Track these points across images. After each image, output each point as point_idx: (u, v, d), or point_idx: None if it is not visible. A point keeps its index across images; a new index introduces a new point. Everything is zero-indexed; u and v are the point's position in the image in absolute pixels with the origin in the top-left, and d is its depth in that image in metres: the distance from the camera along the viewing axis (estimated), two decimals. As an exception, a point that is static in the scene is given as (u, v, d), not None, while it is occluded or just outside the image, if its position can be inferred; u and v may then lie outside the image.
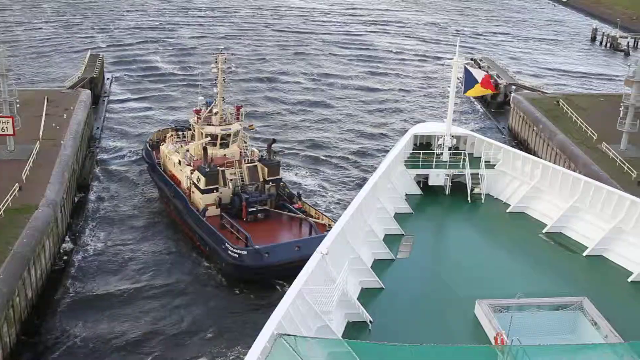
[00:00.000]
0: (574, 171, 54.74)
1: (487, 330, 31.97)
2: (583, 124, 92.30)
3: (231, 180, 70.31)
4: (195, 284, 63.83)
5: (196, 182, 70.17)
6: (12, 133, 73.77)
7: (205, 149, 70.53)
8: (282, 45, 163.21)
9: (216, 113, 74.04)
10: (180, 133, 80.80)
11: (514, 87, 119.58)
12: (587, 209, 44.01)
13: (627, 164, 77.53)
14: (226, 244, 63.01)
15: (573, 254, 41.89)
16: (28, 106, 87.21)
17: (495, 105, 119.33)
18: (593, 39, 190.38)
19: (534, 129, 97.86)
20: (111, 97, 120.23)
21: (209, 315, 58.80)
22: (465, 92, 51.02)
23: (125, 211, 77.18)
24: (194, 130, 75.68)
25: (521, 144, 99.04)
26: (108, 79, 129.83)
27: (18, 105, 76.93)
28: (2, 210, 60.70)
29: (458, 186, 50.25)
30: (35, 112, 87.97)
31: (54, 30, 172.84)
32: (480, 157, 51.40)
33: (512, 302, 32.83)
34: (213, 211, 68.80)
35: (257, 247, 61.94)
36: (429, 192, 50.26)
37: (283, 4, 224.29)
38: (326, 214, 70.25)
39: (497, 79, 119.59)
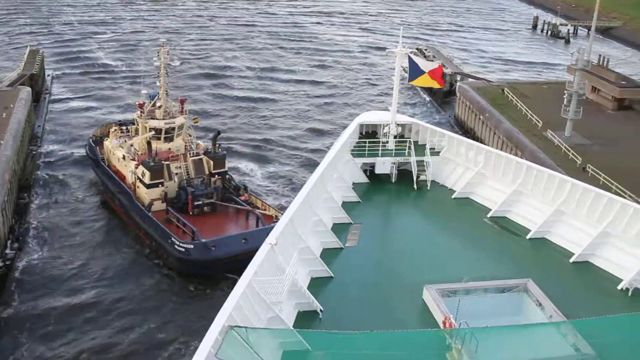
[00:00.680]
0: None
1: (435, 314, 32.32)
2: (528, 111, 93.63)
3: (177, 174, 69.76)
4: (143, 281, 63.19)
5: (141, 177, 69.46)
6: None
7: (149, 143, 69.85)
8: (228, 39, 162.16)
9: (160, 107, 73.17)
10: (124, 128, 79.76)
11: (459, 76, 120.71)
12: (529, 192, 44.77)
13: (572, 151, 78.84)
14: (172, 239, 62.54)
15: (517, 237, 42.57)
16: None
17: (442, 94, 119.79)
18: (534, 27, 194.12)
19: (480, 118, 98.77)
20: (53, 94, 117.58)
21: (159, 310, 58.32)
22: (410, 80, 51.33)
23: (69, 210, 75.74)
24: (138, 125, 74.72)
25: (468, 133, 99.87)
26: (49, 75, 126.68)
27: None
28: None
29: (404, 174, 50.55)
30: None
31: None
32: (425, 145, 51.80)
33: (459, 286, 33.29)
34: (159, 206, 68.17)
35: (203, 240, 61.62)
36: (375, 180, 50.47)
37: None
38: (273, 206, 70.18)
39: (443, 69, 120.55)
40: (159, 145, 71.35)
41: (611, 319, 29.71)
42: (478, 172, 48.05)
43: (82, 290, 60.87)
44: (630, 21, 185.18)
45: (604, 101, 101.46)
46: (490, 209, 45.53)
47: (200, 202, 67.85)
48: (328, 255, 38.55)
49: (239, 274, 29.81)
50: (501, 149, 79.73)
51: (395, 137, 51.76)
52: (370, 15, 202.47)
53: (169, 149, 72.20)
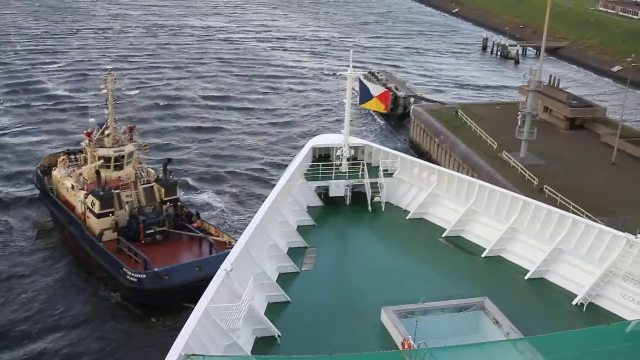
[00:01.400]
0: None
1: (394, 336, 32.20)
2: (483, 133, 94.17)
3: (127, 202, 68.84)
4: (95, 313, 62.08)
5: (91, 207, 68.35)
6: None
7: (98, 172, 68.86)
8: (179, 66, 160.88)
9: (108, 135, 72.32)
10: (72, 157, 78.54)
11: (412, 98, 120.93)
12: (482, 211, 45.08)
13: (527, 172, 79.51)
14: (124, 269, 61.60)
15: (472, 255, 42.78)
16: None
17: (396, 117, 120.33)
18: (484, 48, 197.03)
19: (435, 140, 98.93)
20: None
21: (112, 343, 57.38)
22: (360, 103, 51.55)
23: (16, 243, 73.73)
24: (87, 154, 73.68)
25: (424, 156, 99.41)
26: None
27: None
28: None
29: (358, 196, 50.53)
30: None
31: None
32: (379, 166, 51.88)
33: (417, 306, 33.35)
34: (110, 235, 67.12)
35: (156, 269, 60.78)
36: (330, 203, 50.36)
37: (178, 23, 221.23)
38: (226, 232, 69.62)
39: (396, 92, 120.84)
40: (108, 174, 70.38)
41: (568, 334, 29.82)
42: (431, 192, 48.26)
43: (32, 330, 59.21)
44: (576, 41, 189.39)
45: (556, 121, 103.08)
46: (445, 229, 45.72)
47: (152, 231, 67.01)
48: (284, 279, 38.26)
49: (194, 303, 29.35)
50: (458, 172, 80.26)
51: (348, 159, 51.75)
52: (322, 39, 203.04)
53: (119, 177, 71.20)
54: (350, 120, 51.89)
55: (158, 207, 69.42)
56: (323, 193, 50.66)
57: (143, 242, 66.33)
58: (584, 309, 36.38)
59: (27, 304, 63.38)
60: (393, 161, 52.00)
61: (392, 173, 51.45)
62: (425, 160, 72.37)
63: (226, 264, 31.42)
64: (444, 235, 45.30)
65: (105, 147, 71.48)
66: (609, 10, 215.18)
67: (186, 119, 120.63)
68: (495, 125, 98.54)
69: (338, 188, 50.33)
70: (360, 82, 50.43)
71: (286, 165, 69.67)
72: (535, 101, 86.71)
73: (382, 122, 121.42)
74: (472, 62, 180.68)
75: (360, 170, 51.02)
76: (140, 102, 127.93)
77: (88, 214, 69.01)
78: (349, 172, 51.27)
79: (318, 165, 51.03)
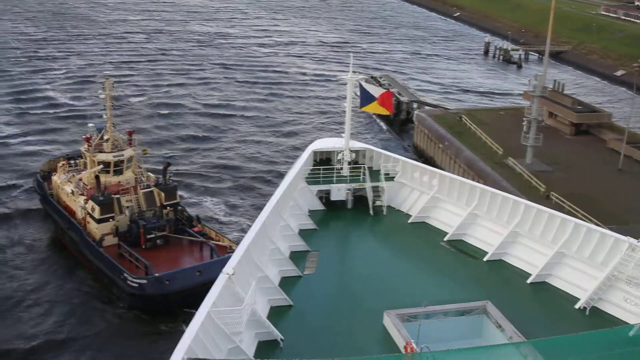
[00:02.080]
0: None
1: (396, 340, 32.17)
2: (487, 139, 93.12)
3: (127, 207, 68.68)
4: (97, 319, 61.84)
5: (91, 212, 68.22)
6: None
7: (97, 177, 68.70)
8: (179, 71, 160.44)
9: (107, 139, 72.28)
10: (72, 162, 78.45)
11: (415, 104, 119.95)
12: (484, 215, 45.04)
13: (534, 178, 78.61)
14: (125, 274, 61.47)
15: (474, 259, 42.75)
16: None
17: (399, 123, 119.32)
18: (486, 53, 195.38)
19: (439, 146, 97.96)
20: None
21: (115, 348, 57.13)
22: (361, 107, 51.50)
23: (16, 249, 73.33)
24: (86, 159, 73.62)
25: (428, 162, 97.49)
26: None
27: None
28: None
29: (360, 200, 50.56)
30: None
31: None
32: (380, 170, 51.88)
33: (419, 310, 33.29)
34: (110, 240, 66.97)
35: (157, 275, 60.62)
36: (331, 207, 50.38)
37: (179, 29, 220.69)
38: (227, 236, 69.47)
39: (399, 97, 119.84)
40: (108, 179, 70.32)
41: (570, 337, 29.81)
42: (433, 196, 48.23)
43: (34, 336, 58.97)
44: (578, 45, 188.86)
45: (561, 126, 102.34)
46: (447, 233, 45.70)
47: (153, 235, 66.84)
48: (287, 283, 38.26)
49: (195, 308, 29.41)
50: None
51: (349, 163, 51.80)
52: (324, 44, 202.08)
53: (119, 182, 71.13)
54: (353, 126, 51.93)
55: (158, 212, 69.30)
56: (324, 197, 50.68)
57: (144, 247, 66.17)
58: (587, 313, 36.33)
59: (27, 309, 63.20)
60: (394, 165, 52.02)
61: (394, 177, 51.47)
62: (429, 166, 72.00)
63: (228, 268, 31.47)
64: (445, 239, 45.30)
65: (105, 152, 71.44)
66: (611, 15, 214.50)
67: (186, 123, 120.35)
68: (500, 130, 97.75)
69: (339, 192, 50.36)
70: (361, 85, 50.45)
71: (287, 170, 69.69)
72: (541, 107, 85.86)
73: (385, 128, 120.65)
74: (474, 66, 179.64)
75: (362, 174, 51.07)
76: (141, 108, 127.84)
77: (88, 219, 68.88)
78: (350, 175, 51.29)
79: (319, 169, 51.10)
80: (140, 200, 69.59)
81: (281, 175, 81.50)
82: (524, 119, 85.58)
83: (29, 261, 71.50)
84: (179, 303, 59.49)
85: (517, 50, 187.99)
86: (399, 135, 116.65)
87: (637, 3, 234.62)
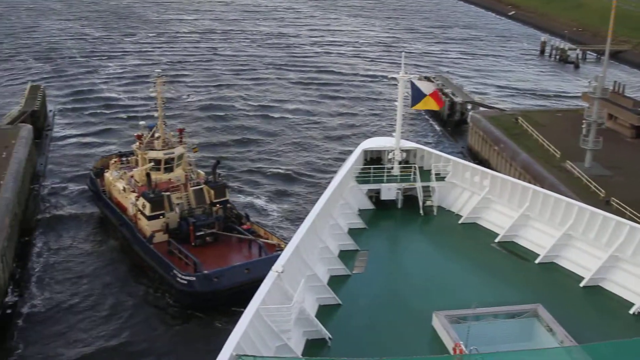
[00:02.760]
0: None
1: (445, 341, 31.95)
2: (545, 141, 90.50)
3: (177, 204, 69.25)
4: (147, 314, 62.51)
5: (142, 209, 68.96)
6: None
7: (148, 175, 69.46)
8: (232, 71, 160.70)
9: (158, 137, 73.00)
10: (124, 159, 79.45)
11: (470, 105, 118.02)
12: (536, 217, 44.46)
13: (593, 183, 76.21)
14: (174, 271, 61.91)
15: (526, 261, 42.23)
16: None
17: (453, 124, 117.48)
18: (542, 52, 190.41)
19: (495, 149, 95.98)
20: (55, 131, 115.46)
21: (164, 344, 57.73)
22: (412, 106, 51.23)
23: (72, 249, 74.16)
24: (137, 156, 74.50)
25: (483, 164, 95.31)
26: (51, 111, 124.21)
27: None
28: None
29: (410, 199, 50.39)
30: None
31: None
32: (431, 170, 51.60)
33: (469, 312, 32.83)
34: (160, 237, 67.59)
35: (206, 272, 60.97)
36: (381, 206, 50.27)
37: (232, 28, 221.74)
38: (276, 234, 69.59)
39: (453, 97, 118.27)
40: (158, 176, 71.00)
41: (623, 343, 29.39)
42: (484, 197, 47.79)
43: (87, 330, 59.73)
44: (639, 44, 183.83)
45: (621, 129, 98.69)
46: (498, 234, 45.24)
47: (202, 233, 67.27)
48: (335, 282, 38.28)
49: (243, 305, 29.60)
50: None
51: (400, 162, 51.67)
52: (377, 44, 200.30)
53: (169, 179, 71.81)
54: (406, 127, 51.65)
55: (208, 209, 69.72)
56: (374, 196, 50.57)
57: (193, 244, 66.61)
58: None
59: (80, 303, 64.10)
60: (445, 165, 51.70)
61: (445, 177, 51.17)
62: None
63: (277, 266, 31.61)
64: (496, 240, 44.85)
65: (155, 150, 72.13)
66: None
67: (237, 122, 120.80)
68: (558, 133, 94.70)
69: (390, 191, 50.28)
70: (412, 83, 50.26)
71: (337, 167, 69.60)
72: (601, 109, 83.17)
73: (438, 129, 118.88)
74: (530, 66, 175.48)
75: (412, 173, 50.86)
76: (192, 106, 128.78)
77: (139, 215, 69.63)
78: (400, 175, 51.18)
79: (370, 168, 51.02)
80: (190, 197, 70.14)
81: (331, 175, 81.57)
82: (584, 121, 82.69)
83: (80, 256, 72.53)
84: (227, 300, 59.72)
85: (575, 49, 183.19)
86: (453, 136, 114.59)
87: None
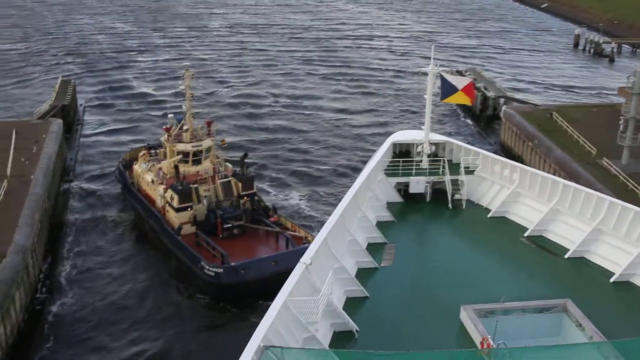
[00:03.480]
0: None
1: (472, 335, 31.83)
2: (580, 137, 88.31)
3: (205, 196, 69.53)
4: (174, 305, 62.76)
5: (170, 201, 69.29)
6: None
7: (176, 167, 69.80)
8: (262, 64, 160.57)
9: (186, 130, 73.28)
10: (152, 151, 79.89)
11: (502, 99, 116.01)
12: (566, 211, 44.11)
13: (631, 181, 74.06)
14: (202, 263, 62.16)
15: (555, 256, 41.92)
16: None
17: (485, 119, 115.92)
18: (576, 45, 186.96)
19: (528, 145, 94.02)
20: (85, 125, 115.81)
21: (191, 334, 57.90)
22: (442, 99, 51.09)
23: (102, 244, 74.30)
24: (166, 148, 74.89)
25: (516, 161, 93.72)
26: (81, 105, 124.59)
27: None
28: (-33, 261, 55.65)
29: (439, 193, 50.28)
30: (2, 146, 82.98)
31: (21, 55, 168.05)
32: (460, 163, 51.43)
33: (497, 306, 32.89)
34: (188, 229, 67.87)
35: (233, 264, 61.16)
36: (409, 199, 50.23)
37: (262, 22, 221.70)
38: (303, 227, 69.60)
39: (485, 92, 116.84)
40: (187, 168, 71.30)
41: (654, 339, 28.91)
42: (513, 190, 47.55)
43: (114, 321, 60.08)
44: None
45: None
46: (527, 228, 44.98)
47: (230, 225, 67.41)
48: (363, 275, 38.32)
49: (270, 298, 29.77)
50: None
51: (428, 155, 51.52)
52: (407, 37, 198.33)
53: (197, 172, 72.10)
54: (438, 121, 51.50)
55: (235, 202, 69.88)
56: (403, 189, 50.47)
57: (220, 236, 66.79)
58: None
59: (108, 295, 64.43)
60: (474, 158, 51.52)
61: (474, 170, 50.99)
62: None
63: (306, 258, 31.75)
64: (525, 234, 44.61)
65: (184, 142, 72.42)
66: None
67: (266, 115, 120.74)
68: (593, 128, 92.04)
69: (418, 184, 50.23)
70: (442, 77, 50.11)
71: (366, 161, 69.41)
72: (638, 104, 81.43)
73: (470, 123, 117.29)
74: (563, 60, 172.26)
75: (441, 167, 50.73)
76: (221, 99, 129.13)
77: (167, 207, 69.98)
78: (429, 168, 51.08)
79: (398, 162, 50.95)
80: (218, 190, 70.38)
81: (359, 169, 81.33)
82: (621, 117, 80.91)
83: (109, 247, 73.03)
84: (254, 292, 59.84)
85: (609, 42, 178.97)
86: (485, 131, 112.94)
87: None
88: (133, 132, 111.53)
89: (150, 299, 63.83)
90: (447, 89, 49.95)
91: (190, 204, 68.43)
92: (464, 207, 49.27)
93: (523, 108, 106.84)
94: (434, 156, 52.35)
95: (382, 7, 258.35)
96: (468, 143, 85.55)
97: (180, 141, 72.68)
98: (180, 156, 71.90)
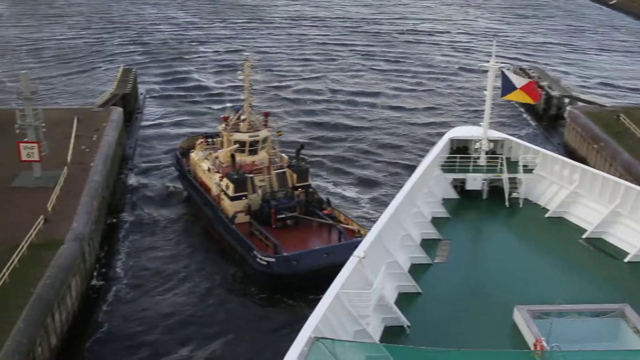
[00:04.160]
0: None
1: (526, 336, 31.39)
2: None
3: (260, 186, 69.80)
4: (226, 293, 63.22)
5: (225, 190, 69.73)
6: (38, 159, 69.75)
7: (233, 156, 70.20)
8: (321, 57, 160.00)
9: (244, 120, 73.68)
10: (209, 140, 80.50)
11: (567, 99, 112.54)
12: (628, 214, 43.15)
13: None
14: (255, 252, 62.40)
15: (614, 259, 41.06)
16: (57, 127, 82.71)
17: (549, 119, 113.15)
18: None
19: (593, 147, 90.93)
20: (145, 114, 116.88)
21: (242, 323, 58.20)
22: (502, 95, 50.42)
23: (158, 233, 74.81)
24: (223, 137, 75.39)
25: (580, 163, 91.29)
26: (142, 94, 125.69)
27: (44, 130, 71.54)
28: (26, 245, 55.93)
29: (496, 191, 49.71)
30: (64, 133, 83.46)
31: (84, 44, 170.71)
32: (518, 162, 50.73)
33: (552, 308, 32.35)
34: (242, 218, 68.19)
35: (285, 254, 61.30)
36: (466, 196, 49.81)
37: (321, 15, 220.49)
38: (356, 220, 69.38)
39: (549, 91, 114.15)
40: (243, 158, 71.62)
41: None
42: (573, 191, 46.71)
43: (167, 311, 60.45)
44: None
45: None
46: (586, 230, 44.13)
47: (283, 216, 67.56)
48: (416, 270, 38.07)
49: (321, 289, 29.84)
50: None
51: (486, 152, 50.96)
52: (472, 34, 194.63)
53: (253, 161, 72.39)
54: (499, 118, 50.80)
55: (290, 193, 70.00)
56: (459, 186, 50.03)
57: (274, 226, 66.96)
58: None
59: (162, 284, 64.89)
60: (534, 157, 50.78)
61: (532, 169, 50.27)
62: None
63: (359, 251, 31.75)
64: (584, 236, 43.79)
65: (241, 132, 72.76)
66: None
67: (323, 108, 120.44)
68: None
69: (475, 181, 49.79)
70: (503, 73, 49.53)
71: (420, 157, 68.81)
72: None
73: (533, 123, 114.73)
74: (632, 59, 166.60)
75: (499, 164, 50.12)
76: (280, 91, 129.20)
77: (222, 196, 70.38)
78: (487, 165, 50.55)
79: (455, 158, 50.48)
80: (272, 180, 70.57)
81: (415, 167, 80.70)
82: None
83: (164, 239, 73.45)
84: (305, 284, 59.81)
85: None
86: (548, 131, 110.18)
87: None
88: (191, 123, 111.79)
89: (200, 284, 64.30)
90: (508, 86, 49.46)
91: (245, 193, 68.72)
92: (521, 205, 48.62)
93: (589, 108, 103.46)
94: (492, 153, 51.81)
95: (445, 2, 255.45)
96: (529, 142, 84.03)
97: (238, 131, 73.04)
98: (237, 145, 72.28)
